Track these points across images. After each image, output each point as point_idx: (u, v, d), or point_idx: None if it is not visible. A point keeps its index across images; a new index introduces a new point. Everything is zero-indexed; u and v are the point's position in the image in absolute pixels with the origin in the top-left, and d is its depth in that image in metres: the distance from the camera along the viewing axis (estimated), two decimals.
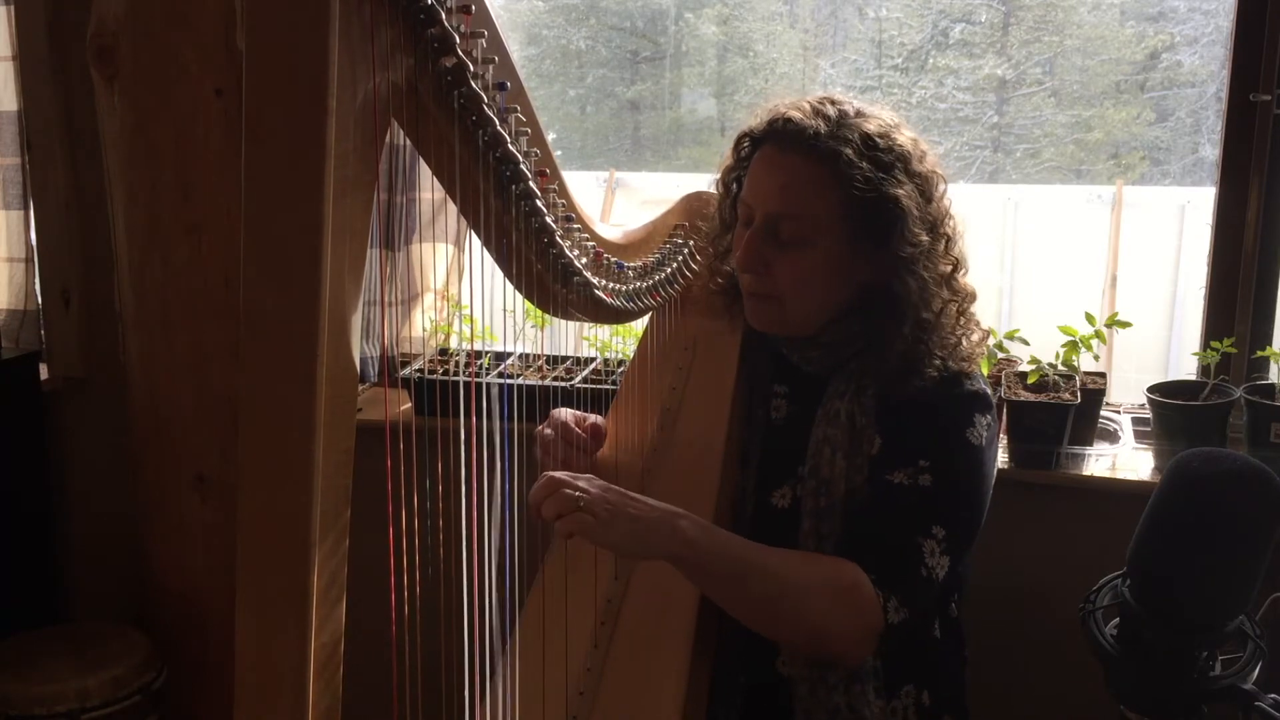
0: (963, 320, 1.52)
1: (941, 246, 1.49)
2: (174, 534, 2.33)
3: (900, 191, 1.44)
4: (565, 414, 1.62)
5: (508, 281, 1.36)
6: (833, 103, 1.49)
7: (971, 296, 1.54)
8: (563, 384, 2.26)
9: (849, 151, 1.43)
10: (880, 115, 1.50)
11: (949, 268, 1.50)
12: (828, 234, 1.46)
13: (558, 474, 1.29)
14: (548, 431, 1.60)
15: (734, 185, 1.58)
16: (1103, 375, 2.23)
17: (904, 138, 1.49)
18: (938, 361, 1.48)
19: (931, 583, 1.40)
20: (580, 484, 1.27)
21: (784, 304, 1.50)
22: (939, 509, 1.42)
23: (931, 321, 1.47)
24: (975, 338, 1.54)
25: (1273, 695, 1.34)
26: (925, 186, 1.48)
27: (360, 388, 2.43)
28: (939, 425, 1.47)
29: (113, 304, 2.42)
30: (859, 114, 1.48)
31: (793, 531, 1.50)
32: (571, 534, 1.26)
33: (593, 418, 1.64)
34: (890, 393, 1.49)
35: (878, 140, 1.45)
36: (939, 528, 1.40)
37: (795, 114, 1.47)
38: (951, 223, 1.51)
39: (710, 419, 1.61)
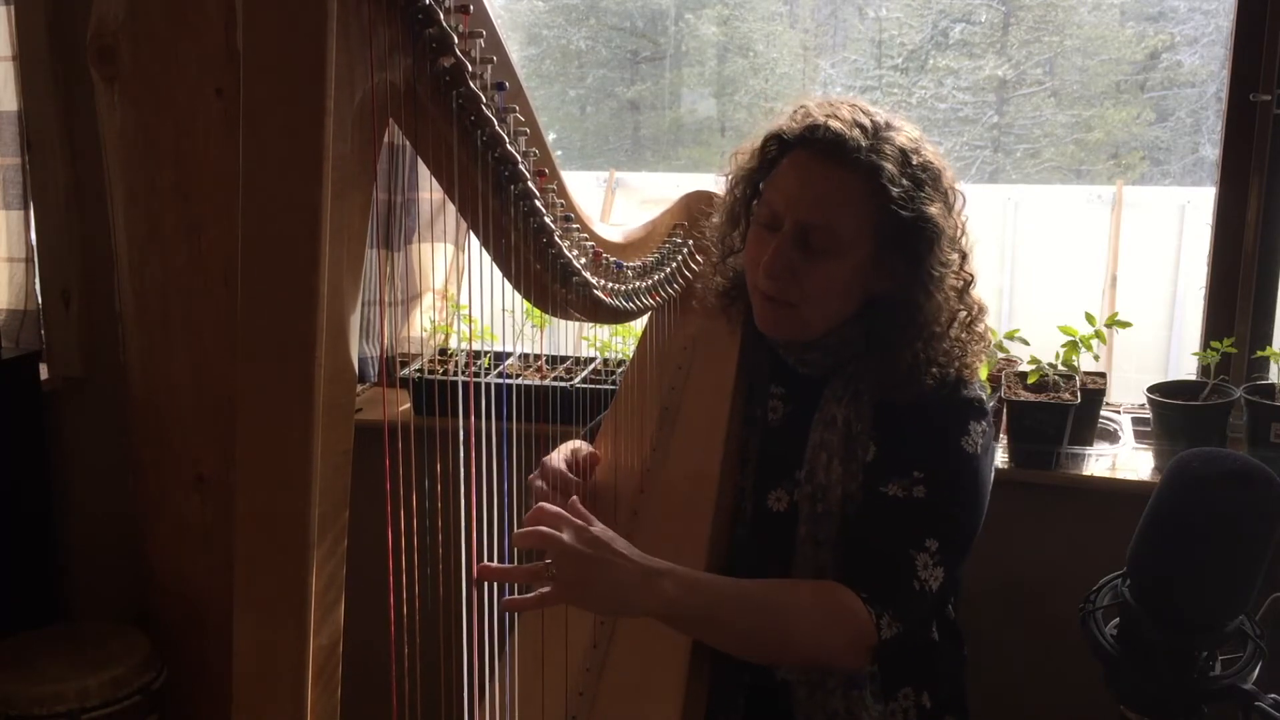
0: (969, 334, 1.51)
1: (959, 262, 1.49)
2: (174, 534, 2.33)
3: (934, 209, 1.43)
4: (557, 461, 1.57)
5: (507, 281, 1.36)
6: (865, 112, 1.46)
7: (983, 310, 1.53)
8: (563, 384, 2.26)
9: (890, 166, 1.41)
10: (905, 126, 1.48)
11: (963, 283, 1.50)
12: (857, 246, 1.44)
13: (540, 530, 1.24)
14: (539, 484, 1.55)
15: (750, 187, 1.55)
16: (1103, 375, 2.23)
17: (931, 152, 1.48)
18: (936, 370, 1.47)
19: (925, 595, 1.39)
20: (563, 538, 1.23)
21: (801, 311, 1.48)
22: (933, 521, 1.41)
23: (941, 334, 1.47)
24: (978, 348, 1.54)
25: (1273, 695, 1.34)
26: (950, 203, 1.48)
27: (360, 388, 2.44)
28: (934, 434, 1.46)
29: (113, 304, 2.42)
30: (889, 125, 1.46)
31: (789, 536, 1.49)
32: (545, 606, 1.24)
33: (585, 450, 1.60)
34: (887, 399, 1.49)
35: (912, 156, 1.44)
36: (932, 540, 1.40)
37: (834, 123, 1.43)
38: (966, 239, 1.51)
39: (710, 418, 1.61)
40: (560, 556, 1.23)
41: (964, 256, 1.50)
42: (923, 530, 1.40)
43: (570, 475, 1.56)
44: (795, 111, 1.50)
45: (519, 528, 1.26)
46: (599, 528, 1.28)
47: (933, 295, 1.45)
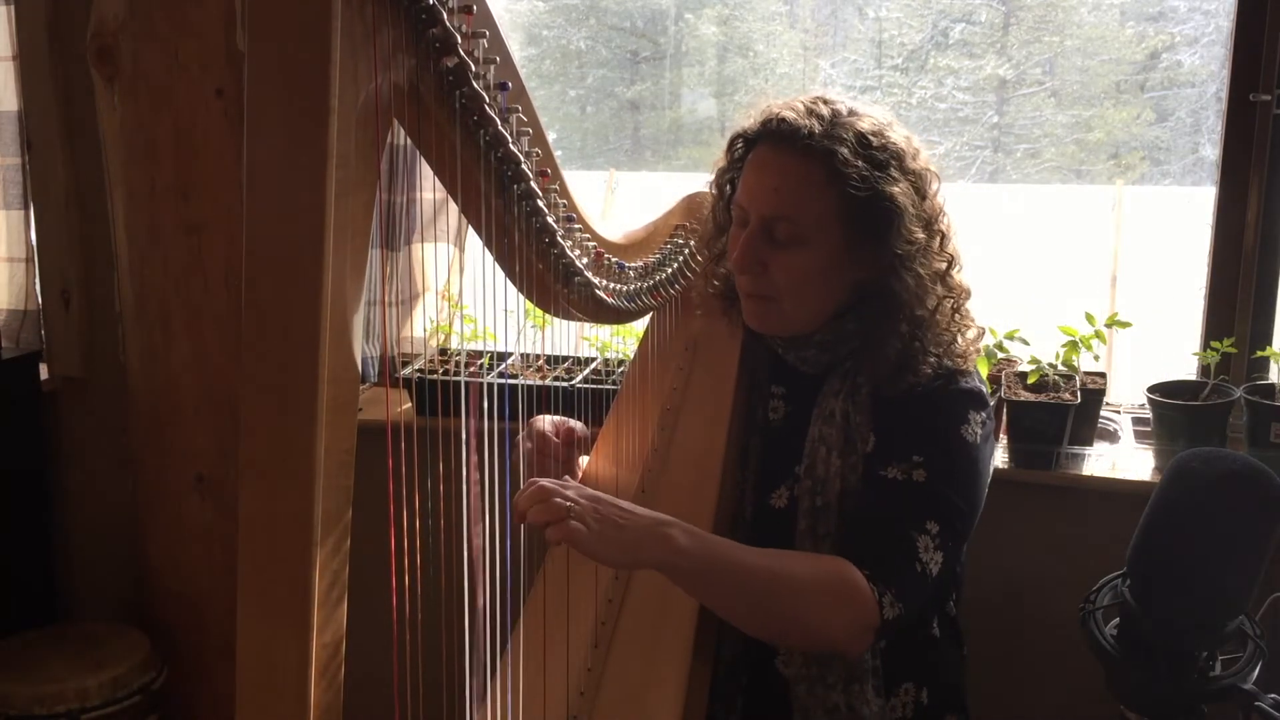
0: (957, 317, 1.52)
1: (936, 243, 1.49)
2: (174, 534, 2.33)
3: (896, 189, 1.44)
4: (543, 423, 1.60)
5: (508, 281, 1.36)
6: (825, 102, 1.49)
7: (966, 293, 1.54)
8: (563, 384, 2.26)
9: (844, 150, 1.43)
10: (873, 113, 1.50)
11: (944, 265, 1.50)
12: (824, 233, 1.45)
13: (545, 482, 1.26)
14: (528, 444, 1.60)
15: (727, 187, 1.58)
16: (1103, 375, 2.23)
17: (897, 135, 1.49)
18: (932, 359, 1.48)
19: (926, 577, 1.39)
20: (569, 493, 1.24)
21: (782, 304, 1.49)
22: (933, 504, 1.41)
23: (926, 319, 1.47)
24: (970, 334, 1.54)
25: (1273, 695, 1.34)
26: (919, 184, 1.48)
27: (360, 388, 2.44)
28: (933, 422, 1.46)
29: (113, 304, 2.42)
30: (852, 113, 1.48)
31: (790, 532, 1.50)
32: (560, 541, 1.24)
33: (571, 423, 1.61)
34: (884, 391, 1.49)
35: (871, 139, 1.46)
36: (933, 523, 1.40)
37: (789, 114, 1.46)
38: (945, 220, 1.52)
39: (711, 419, 1.61)
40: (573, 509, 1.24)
41: (943, 237, 1.50)
42: (923, 512, 1.40)
43: (555, 440, 1.58)
44: (759, 110, 1.53)
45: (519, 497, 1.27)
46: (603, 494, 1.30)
47: (903, 276, 1.45)
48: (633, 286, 1.62)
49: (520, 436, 1.59)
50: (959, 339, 1.52)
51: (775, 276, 1.47)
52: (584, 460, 1.67)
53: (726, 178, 1.58)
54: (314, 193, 0.88)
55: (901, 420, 1.47)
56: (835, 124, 1.45)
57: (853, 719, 1.47)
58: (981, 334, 1.58)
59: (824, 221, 1.45)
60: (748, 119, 1.54)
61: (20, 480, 2.57)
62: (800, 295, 1.49)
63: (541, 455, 1.59)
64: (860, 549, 1.38)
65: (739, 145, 1.55)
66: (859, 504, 1.46)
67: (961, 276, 1.54)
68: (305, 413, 0.90)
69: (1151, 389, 2.15)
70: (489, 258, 1.32)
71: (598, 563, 1.33)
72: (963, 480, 1.44)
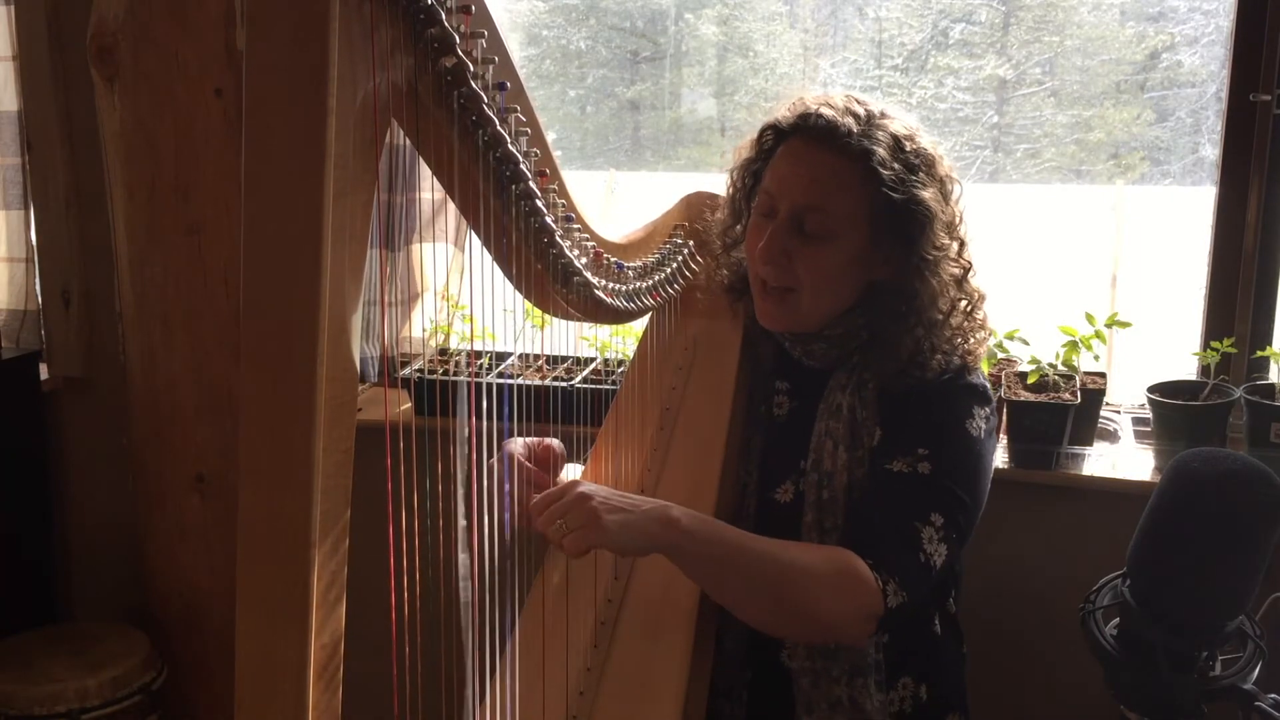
0: (970, 321, 1.52)
1: (955, 249, 1.50)
2: (174, 534, 2.33)
3: (927, 194, 1.45)
4: (516, 445, 1.56)
5: (507, 281, 1.36)
6: (859, 102, 1.50)
7: (981, 298, 1.55)
8: (563, 384, 2.26)
9: (881, 151, 1.44)
10: (903, 117, 1.51)
11: (961, 270, 1.51)
12: (852, 231, 1.46)
13: (545, 495, 1.28)
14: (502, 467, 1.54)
15: (749, 177, 1.58)
16: (1103, 375, 2.23)
17: (927, 141, 1.50)
18: (939, 357, 1.48)
19: (929, 569, 1.39)
20: (564, 499, 1.26)
21: (799, 299, 1.49)
22: (937, 496, 1.42)
23: (940, 321, 1.48)
24: (980, 335, 1.55)
25: (1273, 695, 1.34)
26: (945, 190, 1.49)
27: (360, 388, 2.44)
28: (938, 416, 1.47)
29: (113, 304, 2.43)
30: (884, 115, 1.49)
31: (795, 525, 1.50)
32: (578, 553, 1.25)
33: (549, 443, 1.59)
34: (890, 387, 1.50)
35: (905, 142, 1.47)
36: (937, 515, 1.40)
37: (827, 110, 1.47)
38: (964, 227, 1.52)
39: (711, 418, 1.61)
40: (573, 505, 1.25)
41: (962, 244, 1.52)
42: (928, 504, 1.40)
43: (529, 465, 1.55)
44: (792, 103, 1.53)
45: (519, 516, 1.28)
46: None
47: (928, 280, 1.46)
48: (631, 286, 1.61)
49: (491, 461, 1.56)
50: (969, 340, 1.52)
51: (798, 270, 1.47)
52: (571, 470, 1.66)
53: (752, 168, 1.57)
54: (312, 193, 0.87)
55: (907, 414, 1.48)
56: (871, 124, 1.46)
57: (855, 711, 1.47)
58: (990, 333, 1.59)
59: (853, 219, 1.45)
60: (781, 111, 1.53)
61: (20, 480, 2.57)
62: (820, 290, 1.49)
63: (517, 479, 1.53)
64: (865, 539, 1.39)
65: (769, 136, 1.54)
66: (864, 496, 1.47)
67: (976, 282, 1.54)
68: (304, 413, 0.90)
69: (1151, 389, 2.15)
70: (488, 258, 1.31)
71: (610, 551, 1.33)
72: (966, 474, 1.45)
